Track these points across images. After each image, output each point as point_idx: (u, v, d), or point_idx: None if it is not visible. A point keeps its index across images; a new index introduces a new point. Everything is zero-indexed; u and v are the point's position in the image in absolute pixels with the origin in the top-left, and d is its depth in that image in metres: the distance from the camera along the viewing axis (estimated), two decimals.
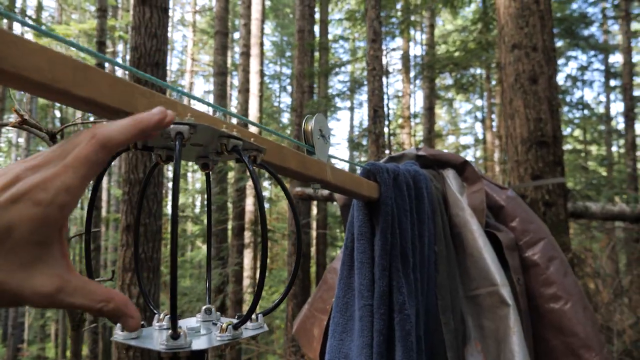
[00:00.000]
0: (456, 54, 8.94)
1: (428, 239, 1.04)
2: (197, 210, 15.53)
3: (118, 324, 0.50)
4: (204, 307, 0.55)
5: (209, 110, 0.63)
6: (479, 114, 17.52)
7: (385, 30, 9.26)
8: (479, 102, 17.25)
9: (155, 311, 0.53)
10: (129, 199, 4.22)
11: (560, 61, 10.95)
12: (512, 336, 1.02)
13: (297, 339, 1.42)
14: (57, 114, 14.28)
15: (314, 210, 10.13)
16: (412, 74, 12.73)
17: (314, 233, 9.70)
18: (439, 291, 1.06)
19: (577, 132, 12.34)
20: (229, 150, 0.49)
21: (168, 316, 0.50)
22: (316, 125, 0.74)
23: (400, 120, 12.52)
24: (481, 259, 1.10)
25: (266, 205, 14.23)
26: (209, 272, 0.59)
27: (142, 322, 0.50)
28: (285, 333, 6.71)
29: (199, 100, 0.55)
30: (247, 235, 8.27)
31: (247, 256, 8.41)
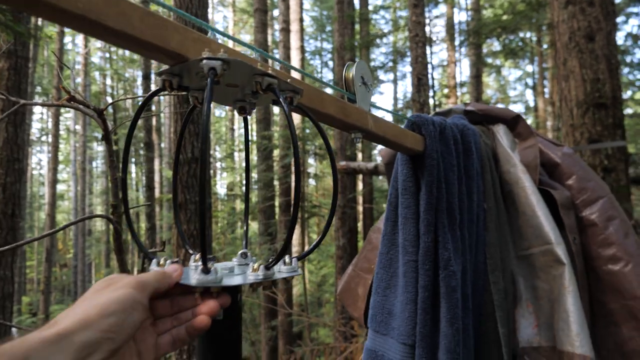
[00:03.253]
0: (504, 17, 8.51)
1: (477, 197, 1.00)
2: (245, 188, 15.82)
3: (153, 261, 0.52)
4: (240, 252, 0.55)
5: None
6: (529, 81, 16.72)
7: None
8: (529, 68, 16.44)
9: (191, 251, 0.54)
10: (179, 177, 4.36)
11: (620, 19, 10.19)
12: (567, 295, 0.98)
13: (341, 300, 1.42)
14: (109, 100, 14.87)
15: (360, 185, 10.09)
16: (457, 42, 12.25)
17: (360, 208, 9.69)
18: (487, 250, 1.02)
19: (639, 95, 11.53)
20: (264, 89, 0.48)
21: None
22: (358, 73, 0.71)
23: (445, 90, 12.14)
24: (534, 217, 1.04)
25: (312, 182, 14.30)
26: (246, 217, 0.59)
27: (177, 260, 0.52)
28: (335, 306, 6.80)
29: (237, 41, 0.54)
30: None
31: (295, 231, 8.53)
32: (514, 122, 1.20)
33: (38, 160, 23.71)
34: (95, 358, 0.38)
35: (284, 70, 0.60)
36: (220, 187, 16.17)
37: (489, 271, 1.00)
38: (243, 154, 17.45)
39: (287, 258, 0.52)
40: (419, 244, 0.86)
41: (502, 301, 0.99)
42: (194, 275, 0.46)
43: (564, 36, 3.29)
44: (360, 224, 9.78)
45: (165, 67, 0.47)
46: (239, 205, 13.86)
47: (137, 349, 0.44)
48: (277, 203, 8.99)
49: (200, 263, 0.51)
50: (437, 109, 1.25)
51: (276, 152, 9.65)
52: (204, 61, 0.44)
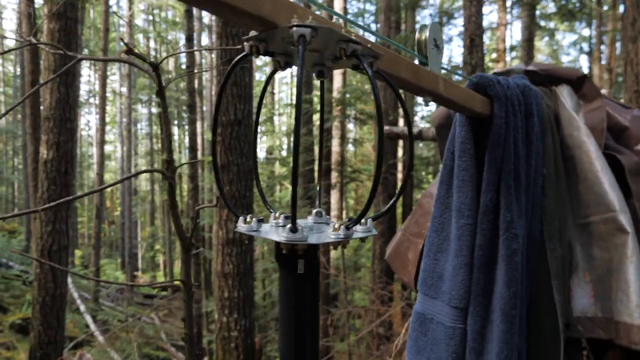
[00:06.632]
0: None
1: (535, 161, 0.96)
2: (284, 152, 15.98)
3: (240, 219, 0.53)
4: (314, 210, 0.57)
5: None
6: (585, 46, 15.77)
7: None
8: (585, 32, 15.50)
9: (271, 210, 0.56)
10: (221, 139, 4.41)
11: None
12: (629, 265, 0.93)
13: (390, 263, 1.42)
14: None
15: (400, 152, 9.97)
16: (509, 2, 11.61)
17: (399, 175, 9.60)
18: (545, 216, 0.98)
19: None
20: (348, 55, 0.50)
21: (283, 215, 0.54)
22: (431, 35, 0.70)
23: (494, 55, 11.62)
24: (597, 183, 0.99)
25: (351, 148, 14.24)
26: (320, 178, 0.60)
27: (262, 218, 0.55)
28: (372, 270, 6.87)
29: (324, 8, 0.54)
30: (334, 176, 8.39)
31: (334, 196, 8.58)
32: (579, 83, 1.12)
33: (86, 121, 24.67)
34: None
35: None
36: (260, 150, 16.38)
37: (545, 238, 0.96)
38: (283, 118, 17.50)
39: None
40: (475, 207, 0.84)
41: (558, 269, 0.96)
42: (281, 233, 0.49)
43: None
44: (398, 190, 9.70)
45: (252, 33, 0.49)
46: (278, 168, 14.02)
47: None
48: (316, 167, 9.02)
49: (280, 221, 0.54)
50: (496, 70, 1.19)
51: (316, 117, 9.61)
52: (294, 29, 0.45)
